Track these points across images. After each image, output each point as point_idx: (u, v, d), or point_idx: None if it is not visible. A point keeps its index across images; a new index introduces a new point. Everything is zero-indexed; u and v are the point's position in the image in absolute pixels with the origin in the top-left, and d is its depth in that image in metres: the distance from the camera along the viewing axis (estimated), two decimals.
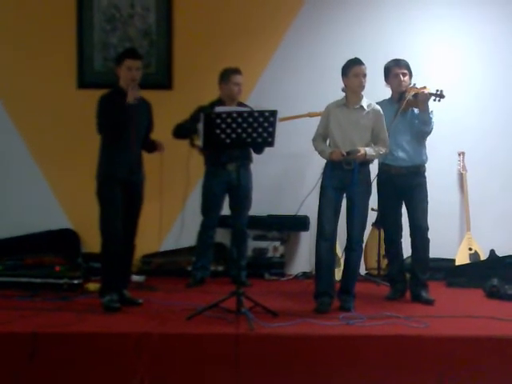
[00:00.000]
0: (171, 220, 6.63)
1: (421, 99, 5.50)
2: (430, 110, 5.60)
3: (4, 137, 6.93)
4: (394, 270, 5.83)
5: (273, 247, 6.77)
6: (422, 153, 5.70)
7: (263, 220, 6.79)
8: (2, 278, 5.96)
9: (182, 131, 6.09)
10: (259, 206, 6.48)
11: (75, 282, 5.88)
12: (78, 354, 4.45)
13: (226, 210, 6.35)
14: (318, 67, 6.88)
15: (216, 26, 6.99)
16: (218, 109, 5.16)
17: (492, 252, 6.74)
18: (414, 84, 5.60)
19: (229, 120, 4.92)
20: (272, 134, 5.02)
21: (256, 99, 6.62)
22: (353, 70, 5.21)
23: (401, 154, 5.62)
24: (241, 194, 5.96)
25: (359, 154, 5.12)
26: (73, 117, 6.85)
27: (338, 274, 5.70)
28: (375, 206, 6.01)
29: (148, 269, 6.71)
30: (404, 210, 5.74)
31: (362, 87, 5.23)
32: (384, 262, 6.51)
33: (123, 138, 5.14)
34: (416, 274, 5.68)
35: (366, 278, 6.54)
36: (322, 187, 5.30)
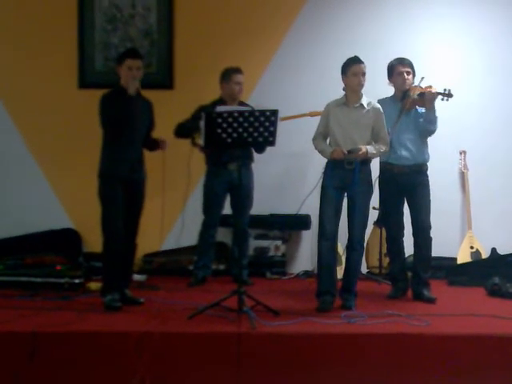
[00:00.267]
0: (172, 219, 6.63)
1: (428, 98, 5.49)
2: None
3: (4, 136, 6.94)
4: (396, 268, 5.83)
5: (274, 246, 6.78)
6: (424, 151, 5.70)
7: (265, 219, 6.79)
8: (3, 277, 5.95)
9: (184, 130, 6.09)
10: (261, 205, 6.48)
11: (76, 281, 5.87)
12: (78, 353, 4.45)
13: (227, 209, 6.35)
14: (319, 67, 6.88)
15: (217, 25, 7.00)
16: (220, 108, 5.15)
17: (493, 250, 6.74)
18: (421, 80, 5.57)
19: (230, 119, 4.92)
20: (273, 134, 5.01)
21: (257, 99, 6.62)
22: (352, 68, 5.21)
23: (404, 153, 5.61)
24: (242, 194, 5.96)
25: (361, 152, 5.12)
26: (74, 116, 6.86)
27: (340, 272, 5.70)
28: (377, 205, 6.01)
29: (149, 268, 6.71)
30: (406, 208, 5.74)
31: (361, 86, 5.23)
32: (385, 261, 6.51)
33: (125, 136, 5.14)
34: (418, 273, 5.68)
35: (367, 277, 6.54)
36: (323, 187, 5.30)
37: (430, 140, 5.74)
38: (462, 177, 6.99)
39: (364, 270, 6.68)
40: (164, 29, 7.02)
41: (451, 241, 6.76)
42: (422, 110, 5.66)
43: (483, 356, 4.47)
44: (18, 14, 6.96)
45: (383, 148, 5.31)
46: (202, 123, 4.96)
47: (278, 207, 6.82)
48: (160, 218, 5.58)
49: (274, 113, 4.98)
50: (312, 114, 6.28)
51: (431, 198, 5.67)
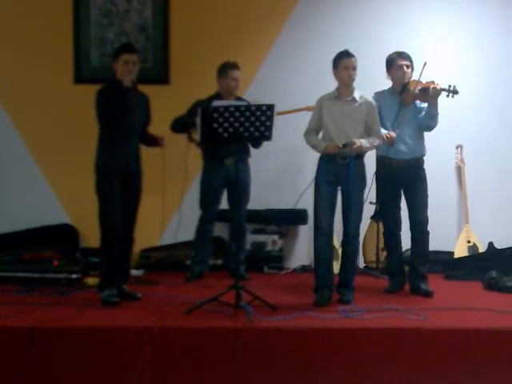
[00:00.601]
0: (170, 214, 6.62)
1: (432, 94, 5.48)
2: None
3: (1, 132, 6.92)
4: (393, 263, 5.83)
5: (271, 241, 6.78)
6: (421, 145, 5.71)
7: (262, 214, 6.79)
8: (1, 273, 5.95)
9: (180, 125, 6.09)
10: (258, 200, 6.48)
11: (74, 276, 5.87)
12: (77, 348, 4.44)
13: (224, 204, 6.35)
14: (314, 62, 6.87)
15: (213, 20, 6.99)
16: (216, 103, 5.16)
17: (490, 244, 6.75)
18: (424, 66, 5.53)
19: (226, 114, 4.92)
20: (269, 128, 5.02)
21: (253, 94, 6.61)
22: (342, 62, 5.21)
23: (402, 148, 5.61)
24: (239, 188, 5.96)
25: (355, 146, 5.12)
26: (70, 112, 6.84)
27: (337, 267, 5.70)
28: (374, 200, 6.01)
29: (147, 263, 6.70)
30: (403, 203, 5.74)
31: (352, 80, 5.23)
32: (383, 255, 6.52)
33: (121, 130, 5.13)
34: (415, 267, 5.69)
35: (364, 271, 6.54)
36: (317, 182, 5.29)
37: (426, 134, 5.75)
38: (459, 171, 7.00)
39: (361, 264, 6.69)
40: (159, 24, 7.01)
41: (448, 235, 6.76)
42: (420, 104, 5.66)
43: (481, 350, 4.47)
44: (13, 10, 6.94)
45: (377, 141, 5.31)
46: (197, 119, 4.96)
47: (275, 202, 6.83)
48: (157, 214, 5.59)
49: (270, 107, 4.98)
50: (309, 109, 6.26)
51: (428, 192, 5.68)
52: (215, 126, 4.92)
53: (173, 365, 4.43)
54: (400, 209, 5.76)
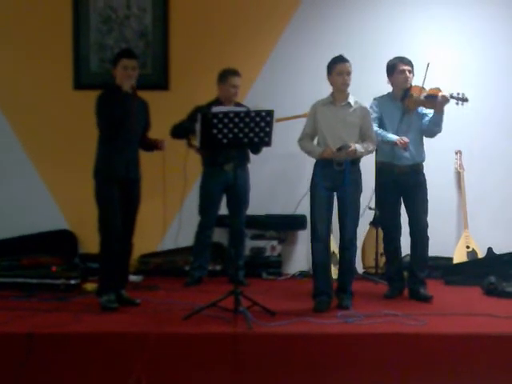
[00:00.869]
0: (169, 220, 6.62)
1: (441, 102, 5.45)
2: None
3: (0, 138, 6.92)
4: (393, 268, 5.81)
5: (270, 246, 6.77)
6: (422, 151, 5.71)
7: (261, 219, 6.79)
8: None
9: (180, 131, 6.09)
10: (257, 206, 6.48)
11: (72, 282, 5.87)
12: (75, 354, 4.44)
13: (223, 210, 6.35)
14: (314, 67, 6.84)
15: (212, 26, 7.00)
16: (215, 109, 5.15)
17: (489, 250, 6.74)
18: (427, 67, 5.51)
19: (226, 120, 4.92)
20: (269, 134, 5.02)
21: (253, 99, 6.62)
22: (336, 67, 5.22)
23: (405, 153, 5.60)
24: (238, 194, 5.97)
25: (350, 149, 5.12)
26: (69, 118, 6.86)
27: (336, 272, 5.70)
28: (373, 205, 6.00)
29: (146, 269, 6.70)
30: (402, 208, 5.74)
31: (346, 85, 5.23)
32: (381, 261, 6.51)
33: (121, 135, 5.13)
34: (414, 272, 5.68)
35: (363, 277, 6.54)
36: (313, 188, 5.30)
37: (425, 140, 5.75)
38: (458, 176, 7.00)
39: (360, 270, 6.69)
40: (159, 30, 7.02)
41: (447, 240, 6.76)
42: (422, 110, 5.65)
43: (480, 355, 4.47)
44: (13, 15, 6.95)
45: (371, 147, 5.31)
46: (197, 125, 4.96)
47: (273, 207, 6.83)
48: (157, 219, 5.59)
49: (270, 113, 4.98)
50: (307, 115, 6.28)
51: (428, 197, 5.68)
52: (215, 131, 4.92)
53: (171, 370, 4.42)
54: (400, 215, 5.75)
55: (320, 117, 5.30)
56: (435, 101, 5.48)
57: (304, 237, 6.79)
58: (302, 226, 6.74)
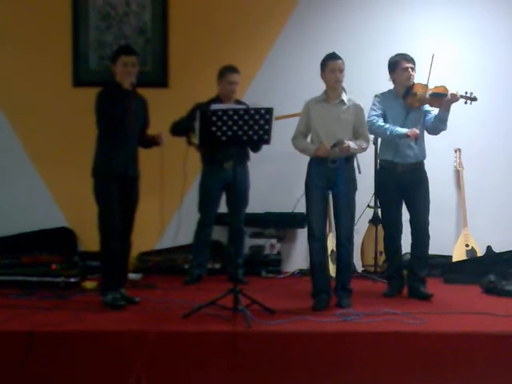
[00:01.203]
0: (168, 218, 6.62)
1: (450, 100, 5.43)
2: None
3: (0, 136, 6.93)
4: (393, 267, 5.81)
5: (269, 245, 6.77)
6: (424, 148, 5.70)
7: (260, 217, 6.79)
8: None
9: (179, 129, 6.09)
10: (256, 204, 6.48)
11: (72, 280, 5.87)
12: (74, 352, 4.44)
13: (223, 208, 6.35)
14: (313, 65, 6.76)
15: (211, 23, 7.00)
16: (214, 106, 5.15)
17: (489, 248, 6.75)
18: (432, 58, 5.50)
19: (225, 117, 4.91)
20: (268, 132, 5.01)
21: (251, 97, 6.60)
22: (329, 65, 5.22)
23: (409, 152, 5.59)
24: (237, 192, 5.96)
25: (344, 145, 5.11)
26: (68, 115, 6.85)
27: (335, 270, 5.70)
28: (372, 204, 5.99)
29: (145, 267, 6.71)
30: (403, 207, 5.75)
31: (339, 82, 5.23)
32: (381, 259, 6.52)
33: (120, 133, 5.12)
34: (414, 270, 5.67)
35: (362, 275, 6.54)
36: (307, 187, 5.30)
37: (425, 137, 5.75)
38: (457, 175, 7.01)
39: (359, 268, 6.69)
40: (158, 27, 7.02)
41: (446, 239, 6.77)
42: (425, 107, 5.63)
43: (479, 354, 4.47)
44: (12, 13, 6.95)
45: (364, 144, 5.30)
46: (196, 122, 4.95)
47: (273, 205, 6.83)
48: (155, 217, 5.58)
49: (269, 111, 4.97)
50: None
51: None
52: (214, 129, 4.92)
53: (170, 369, 4.42)
54: (401, 213, 5.74)
55: (313, 114, 5.30)
56: (442, 99, 5.47)
57: (303, 235, 6.76)
58: (301, 224, 6.74)
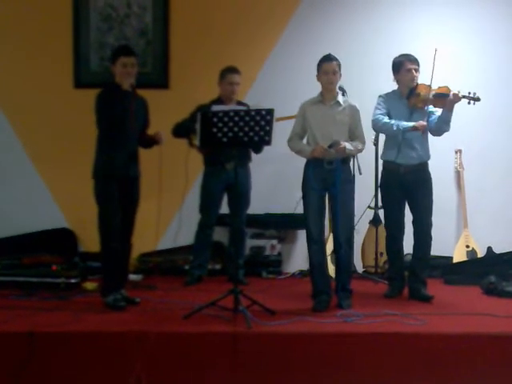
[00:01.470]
0: (169, 219, 6.63)
1: (453, 101, 5.43)
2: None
3: (0, 137, 6.93)
4: (394, 268, 5.80)
5: (270, 245, 6.78)
6: (428, 149, 5.70)
7: (261, 218, 6.79)
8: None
9: (181, 130, 6.09)
10: (257, 205, 6.47)
11: (72, 281, 5.88)
12: (75, 353, 4.44)
13: (224, 209, 6.34)
14: (315, 66, 6.82)
15: (212, 25, 7.00)
16: (215, 107, 5.16)
17: (489, 249, 6.75)
18: (435, 53, 5.50)
19: (226, 119, 4.92)
20: (269, 133, 5.02)
21: (253, 98, 6.61)
22: (323, 66, 5.25)
23: (412, 153, 5.59)
24: (239, 193, 5.96)
25: (340, 146, 5.12)
26: (69, 116, 6.85)
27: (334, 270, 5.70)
28: (373, 204, 5.98)
29: (145, 268, 6.71)
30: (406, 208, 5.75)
31: (331, 84, 5.24)
32: (381, 260, 6.52)
33: (120, 134, 5.12)
34: (416, 272, 5.67)
35: (363, 276, 6.54)
36: (304, 189, 5.31)
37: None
38: (458, 175, 7.01)
39: (360, 269, 6.69)
40: (159, 28, 7.02)
41: (447, 240, 6.76)
42: (428, 108, 5.63)
43: (479, 355, 4.47)
44: (13, 13, 6.95)
45: (360, 146, 5.32)
46: (197, 124, 4.96)
47: (273, 206, 6.83)
48: (156, 218, 5.58)
49: (270, 112, 4.98)
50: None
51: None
52: (214, 130, 4.92)
53: (170, 369, 4.43)
54: (404, 214, 5.73)
55: (309, 116, 5.31)
56: (445, 99, 5.46)
57: (304, 236, 6.65)
58: (302, 225, 6.64)
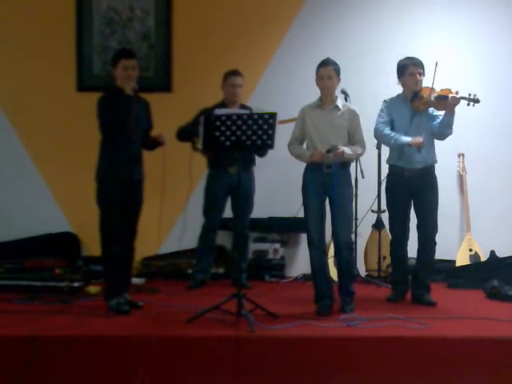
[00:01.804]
0: (172, 222, 6.64)
1: (452, 103, 5.42)
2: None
3: (3, 139, 6.95)
4: (398, 272, 5.79)
5: (273, 249, 6.77)
6: (433, 152, 5.69)
7: (263, 222, 6.80)
8: (2, 281, 5.96)
9: (185, 134, 6.09)
10: (259, 208, 6.47)
11: (75, 284, 5.89)
12: (78, 357, 4.44)
13: (228, 213, 6.34)
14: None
15: (215, 28, 7.01)
16: (218, 111, 5.15)
17: (492, 253, 6.74)
18: (436, 66, 5.47)
19: (228, 122, 4.92)
20: (272, 137, 5.01)
21: (255, 101, 6.60)
22: (319, 72, 5.29)
23: (416, 156, 5.57)
24: (242, 197, 5.94)
25: (338, 150, 5.12)
26: (72, 120, 6.87)
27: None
28: (376, 208, 5.98)
29: (148, 271, 6.71)
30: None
31: (327, 89, 5.26)
32: (384, 264, 6.51)
33: (123, 137, 5.12)
34: (420, 277, 5.65)
35: (366, 280, 6.53)
36: (304, 194, 5.32)
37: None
38: (461, 179, 7.00)
39: (363, 273, 6.69)
40: (162, 32, 7.03)
41: (450, 243, 6.75)
42: (433, 111, 5.63)
43: (482, 359, 4.47)
44: (17, 17, 6.97)
45: (360, 150, 5.32)
46: (200, 127, 4.96)
47: (276, 210, 6.83)
48: (160, 221, 5.58)
49: (273, 116, 4.98)
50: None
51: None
52: (217, 134, 4.92)
53: (174, 373, 4.43)
54: (409, 219, 5.72)
55: (308, 120, 5.33)
56: (446, 101, 5.46)
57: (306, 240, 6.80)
58: (305, 229, 6.69)
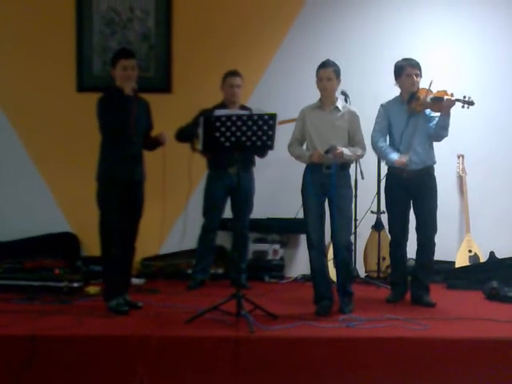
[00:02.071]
0: (172, 223, 6.64)
1: (447, 105, 5.43)
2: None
3: (3, 140, 6.96)
4: (397, 273, 5.79)
5: (273, 250, 6.78)
6: (432, 154, 5.69)
7: (263, 223, 6.80)
8: (2, 281, 5.97)
9: (184, 135, 6.10)
10: (259, 209, 6.48)
11: (75, 285, 5.88)
12: (77, 357, 4.44)
13: (228, 214, 6.34)
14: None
15: (215, 29, 7.01)
16: (218, 112, 5.15)
17: (492, 254, 6.74)
18: (431, 84, 5.50)
19: (228, 123, 4.91)
20: (271, 138, 5.01)
21: (255, 102, 6.60)
22: (319, 73, 5.29)
23: (413, 157, 5.57)
24: (242, 197, 5.94)
25: (337, 151, 5.12)
26: (72, 120, 6.87)
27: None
28: (375, 209, 5.98)
29: (148, 272, 6.71)
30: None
31: (325, 90, 5.26)
32: (384, 265, 6.51)
33: (123, 137, 5.11)
34: (419, 278, 5.65)
35: (365, 281, 6.54)
36: (304, 195, 5.32)
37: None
38: (460, 180, 7.01)
39: (362, 274, 6.69)
40: (162, 32, 7.03)
41: (449, 244, 6.76)
42: (430, 112, 5.63)
43: (482, 360, 4.47)
44: (17, 17, 6.97)
45: (359, 151, 5.31)
46: (199, 128, 4.96)
47: (275, 211, 6.83)
48: (159, 222, 5.59)
49: (273, 117, 4.97)
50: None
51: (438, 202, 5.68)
52: (217, 135, 4.92)
53: (173, 374, 4.43)
54: (409, 220, 5.72)
55: (308, 121, 5.34)
56: (441, 103, 5.48)
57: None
58: (304, 230, 6.71)
